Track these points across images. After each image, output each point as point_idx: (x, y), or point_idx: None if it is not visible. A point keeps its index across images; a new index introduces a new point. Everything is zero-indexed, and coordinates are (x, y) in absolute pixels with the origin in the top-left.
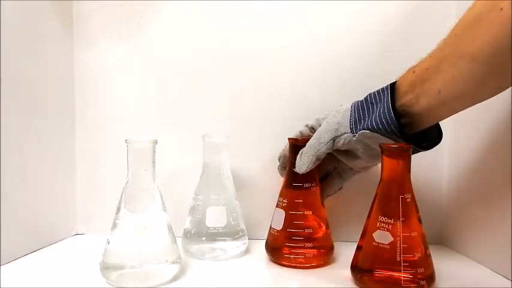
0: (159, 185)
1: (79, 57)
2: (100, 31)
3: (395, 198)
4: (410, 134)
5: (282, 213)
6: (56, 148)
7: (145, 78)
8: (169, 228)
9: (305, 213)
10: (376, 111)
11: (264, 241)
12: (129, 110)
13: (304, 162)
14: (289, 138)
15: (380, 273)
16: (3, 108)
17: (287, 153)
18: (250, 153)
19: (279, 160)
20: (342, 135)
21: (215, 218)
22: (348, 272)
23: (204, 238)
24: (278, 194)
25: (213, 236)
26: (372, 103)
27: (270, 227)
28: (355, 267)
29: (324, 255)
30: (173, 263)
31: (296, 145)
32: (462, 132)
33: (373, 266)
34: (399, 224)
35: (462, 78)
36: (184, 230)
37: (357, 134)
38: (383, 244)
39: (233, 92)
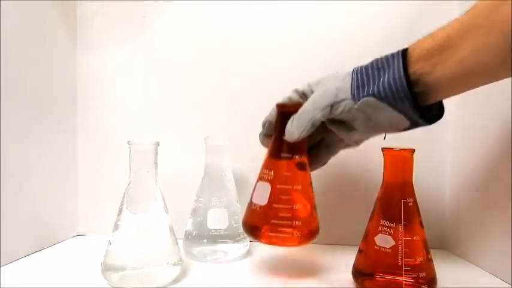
0: (161, 186)
1: (82, 58)
2: (102, 32)
3: (397, 202)
4: (420, 105)
5: (266, 187)
6: (58, 149)
7: (147, 79)
8: (171, 230)
9: (294, 187)
10: (384, 77)
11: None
12: (131, 112)
13: (296, 128)
14: (277, 104)
15: (381, 277)
16: (5, 109)
17: (273, 120)
18: (251, 154)
19: (263, 127)
20: (341, 101)
21: (216, 220)
22: (349, 276)
23: (205, 240)
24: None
25: (215, 238)
26: (378, 69)
27: (250, 203)
28: (356, 271)
29: (309, 237)
30: (174, 264)
31: (285, 112)
32: (464, 137)
33: (375, 270)
34: (401, 228)
35: (491, 49)
36: (186, 232)
37: (359, 102)
38: (384, 248)
39: (234, 93)
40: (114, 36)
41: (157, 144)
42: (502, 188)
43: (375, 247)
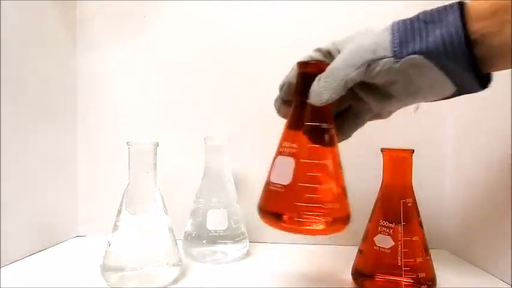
0: (160, 187)
1: (81, 58)
2: (102, 33)
3: (397, 203)
4: (479, 70)
5: (289, 162)
6: (58, 150)
7: (147, 79)
8: (170, 230)
9: (322, 162)
10: (436, 32)
11: (266, 244)
12: (131, 112)
13: (325, 89)
14: (299, 63)
15: (381, 277)
16: (5, 109)
17: (293, 80)
18: (251, 155)
19: (281, 90)
20: (380, 59)
21: (216, 221)
22: (348, 276)
23: (204, 241)
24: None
25: (214, 239)
26: (425, 22)
27: (268, 183)
28: (356, 272)
29: (342, 223)
30: (174, 265)
31: (309, 72)
32: (465, 136)
33: (374, 271)
34: (400, 229)
35: None
36: (185, 232)
37: (401, 60)
38: (384, 248)
39: (234, 93)
40: (114, 36)
41: (157, 144)
42: (502, 188)
43: (375, 247)
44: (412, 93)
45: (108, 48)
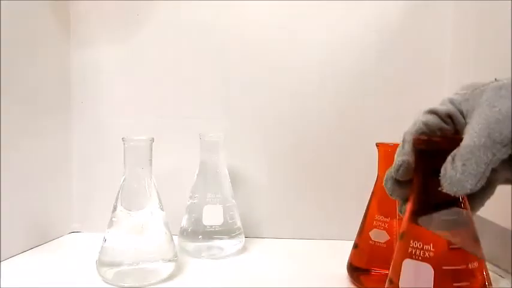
0: (156, 183)
1: (75, 56)
2: (96, 30)
3: None
4: None
5: (426, 270)
6: (53, 146)
7: (142, 77)
8: (166, 226)
9: (470, 266)
10: None
11: (262, 239)
12: (126, 108)
13: (466, 175)
14: (417, 139)
15: (376, 272)
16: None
17: (411, 160)
18: (247, 151)
19: (397, 171)
20: None
21: (212, 217)
22: (344, 271)
23: (200, 236)
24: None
25: (210, 234)
26: None
27: None
28: (351, 266)
29: None
30: (169, 261)
31: (432, 150)
32: None
33: (370, 265)
34: (396, 223)
35: None
36: (181, 228)
37: None
38: (379, 243)
39: (230, 91)
40: (108, 33)
41: (152, 140)
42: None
43: (370, 242)
44: None
45: (102, 46)
